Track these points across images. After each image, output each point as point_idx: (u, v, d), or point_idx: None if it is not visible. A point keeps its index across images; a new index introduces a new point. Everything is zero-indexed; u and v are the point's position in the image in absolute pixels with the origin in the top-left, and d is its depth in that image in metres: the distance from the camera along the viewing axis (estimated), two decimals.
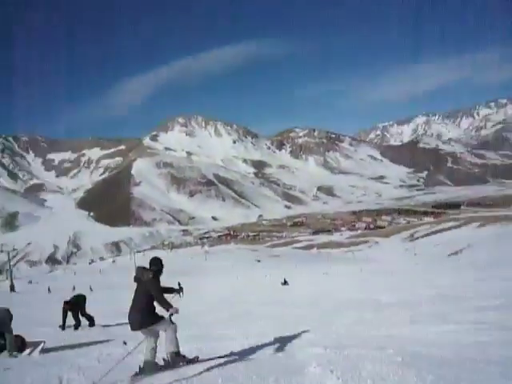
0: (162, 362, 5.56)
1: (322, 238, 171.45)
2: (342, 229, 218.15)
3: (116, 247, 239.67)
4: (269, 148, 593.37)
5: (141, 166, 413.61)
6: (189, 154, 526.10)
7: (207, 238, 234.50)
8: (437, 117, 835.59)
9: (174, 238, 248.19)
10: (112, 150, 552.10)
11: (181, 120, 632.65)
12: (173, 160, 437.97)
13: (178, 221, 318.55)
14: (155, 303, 5.39)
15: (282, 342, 7.01)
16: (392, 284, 21.22)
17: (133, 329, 5.44)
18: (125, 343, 7.94)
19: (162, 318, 5.41)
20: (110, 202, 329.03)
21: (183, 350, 5.70)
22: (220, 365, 5.62)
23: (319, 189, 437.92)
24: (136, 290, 5.61)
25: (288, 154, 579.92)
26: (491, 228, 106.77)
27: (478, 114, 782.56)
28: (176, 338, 5.48)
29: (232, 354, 6.40)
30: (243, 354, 6.36)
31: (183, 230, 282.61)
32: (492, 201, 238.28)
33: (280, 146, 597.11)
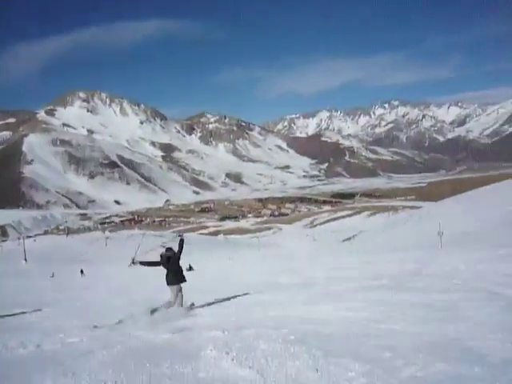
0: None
1: (229, 225, 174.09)
2: (249, 215, 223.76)
3: (2, 231, 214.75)
4: (178, 132, 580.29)
5: (33, 143, 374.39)
6: (90, 132, 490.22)
7: (109, 222, 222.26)
8: (339, 113, 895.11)
9: (71, 222, 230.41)
10: None
11: (82, 95, 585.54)
12: (71, 138, 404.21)
13: (76, 204, 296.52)
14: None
15: (179, 327, 6.90)
16: (291, 267, 22.33)
17: (172, 284, 8.63)
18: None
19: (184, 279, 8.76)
20: None
21: None
22: (112, 354, 5.33)
23: (228, 175, 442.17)
24: (169, 263, 8.65)
25: (198, 139, 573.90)
26: (380, 217, 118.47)
27: (374, 113, 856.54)
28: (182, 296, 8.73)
29: (126, 342, 6.11)
30: (138, 342, 6.12)
31: (81, 214, 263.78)
32: (381, 192, 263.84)
33: (190, 130, 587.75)
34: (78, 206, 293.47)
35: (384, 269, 14.85)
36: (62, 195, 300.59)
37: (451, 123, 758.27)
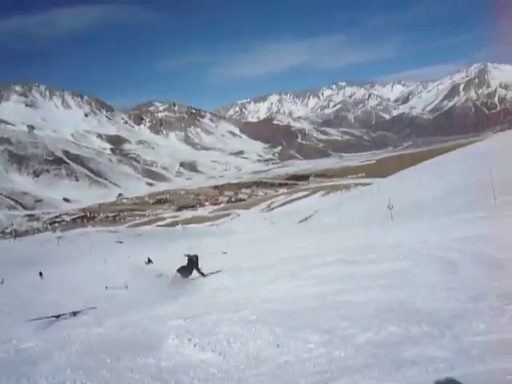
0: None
1: (187, 214, 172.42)
2: (206, 204, 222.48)
3: None
4: (126, 122, 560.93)
5: None
6: (31, 127, 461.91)
7: (59, 222, 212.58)
8: (288, 96, 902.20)
9: (18, 224, 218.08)
10: None
11: (19, 89, 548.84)
12: (10, 135, 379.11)
13: (22, 205, 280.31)
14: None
15: (141, 319, 6.81)
16: (251, 251, 22.58)
17: (183, 277, 12.08)
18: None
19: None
20: None
21: None
22: (70, 354, 5.17)
23: (182, 165, 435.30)
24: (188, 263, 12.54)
25: (147, 128, 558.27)
26: (334, 195, 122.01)
27: (322, 94, 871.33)
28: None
29: (85, 339, 5.95)
30: (98, 338, 5.97)
31: (28, 215, 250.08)
32: (334, 172, 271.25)
33: (138, 120, 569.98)
34: (25, 207, 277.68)
35: (338, 245, 15.38)
36: (6, 196, 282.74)
37: (395, 101, 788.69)
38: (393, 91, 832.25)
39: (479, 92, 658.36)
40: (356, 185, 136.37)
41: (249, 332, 4.81)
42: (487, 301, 4.71)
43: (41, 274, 30.64)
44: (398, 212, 29.38)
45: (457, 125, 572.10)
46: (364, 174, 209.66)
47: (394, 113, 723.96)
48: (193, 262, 12.92)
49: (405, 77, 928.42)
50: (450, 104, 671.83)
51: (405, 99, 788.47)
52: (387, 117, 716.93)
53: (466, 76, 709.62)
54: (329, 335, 4.25)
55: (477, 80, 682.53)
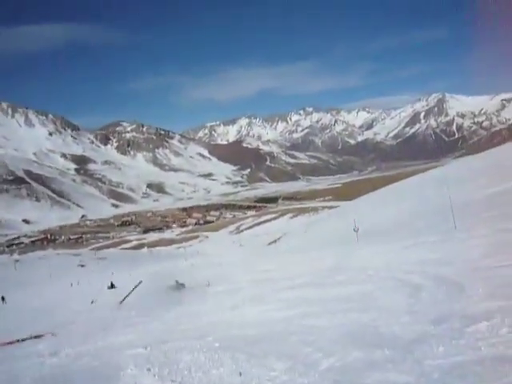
0: None
1: (153, 237, 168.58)
2: (174, 226, 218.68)
3: None
4: (92, 142, 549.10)
5: None
6: None
7: (17, 244, 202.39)
8: (257, 120, 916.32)
9: None
10: None
11: None
12: None
13: None
14: None
15: (99, 350, 6.47)
16: (218, 274, 22.21)
17: None
18: None
19: None
20: None
21: None
22: None
23: (149, 186, 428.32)
24: None
25: (114, 149, 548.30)
26: (302, 218, 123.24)
27: (290, 119, 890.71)
28: None
29: (35, 373, 5.56)
30: (51, 369, 5.61)
31: None
32: (302, 195, 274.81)
33: (105, 140, 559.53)
34: None
35: (306, 267, 15.42)
36: None
37: (360, 127, 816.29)
38: (358, 118, 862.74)
39: (438, 120, 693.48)
40: (323, 207, 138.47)
41: (211, 360, 4.66)
42: (448, 323, 4.79)
43: (3, 298, 29.07)
44: (363, 234, 29.86)
45: (418, 151, 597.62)
46: (331, 197, 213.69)
47: (359, 138, 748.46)
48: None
49: (369, 104, 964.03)
50: (412, 131, 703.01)
51: (369, 125, 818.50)
52: (352, 142, 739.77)
53: (426, 105, 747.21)
54: (292, 361, 4.17)
55: (436, 109, 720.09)
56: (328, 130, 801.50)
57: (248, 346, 5.06)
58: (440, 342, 4.17)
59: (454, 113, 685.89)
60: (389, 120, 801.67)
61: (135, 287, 14.91)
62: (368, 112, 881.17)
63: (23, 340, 8.78)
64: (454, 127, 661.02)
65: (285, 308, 7.49)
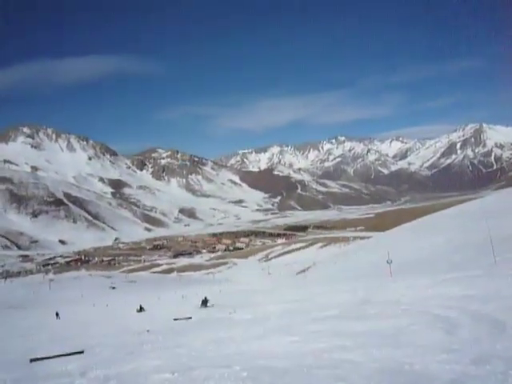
0: None
1: (183, 261, 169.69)
2: (203, 251, 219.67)
3: None
4: (129, 167, 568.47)
5: None
6: (34, 168, 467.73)
7: (52, 264, 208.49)
8: (289, 148, 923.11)
9: (10, 265, 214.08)
10: None
11: (26, 130, 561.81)
12: (13, 174, 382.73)
13: (17, 245, 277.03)
14: None
15: (126, 373, 6.47)
16: (246, 302, 21.97)
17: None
18: None
19: None
20: None
21: None
22: None
23: (181, 211, 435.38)
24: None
25: (149, 174, 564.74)
26: (332, 247, 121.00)
27: (322, 148, 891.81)
28: None
29: None
30: None
31: (23, 256, 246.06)
32: (333, 224, 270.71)
33: (141, 165, 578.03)
34: (19, 247, 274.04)
35: (336, 299, 15.01)
36: (1, 236, 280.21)
37: (394, 157, 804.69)
38: (391, 147, 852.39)
39: (476, 151, 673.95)
40: (355, 238, 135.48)
41: None
42: (490, 365, 4.49)
43: (57, 314, 29.91)
44: (396, 267, 28.92)
45: (454, 182, 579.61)
46: (363, 228, 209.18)
47: (393, 168, 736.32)
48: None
49: (403, 134, 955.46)
50: (448, 161, 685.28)
51: (403, 155, 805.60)
52: (386, 172, 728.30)
53: (463, 135, 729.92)
54: None
55: (473, 139, 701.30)
56: (360, 159, 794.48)
57: (276, 377, 4.92)
58: None
59: (492, 143, 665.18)
60: (423, 150, 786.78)
61: (187, 318, 16.04)
62: (402, 142, 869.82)
63: (56, 357, 8.94)
64: (493, 158, 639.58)
65: (314, 340, 7.28)
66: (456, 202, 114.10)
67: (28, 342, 14.61)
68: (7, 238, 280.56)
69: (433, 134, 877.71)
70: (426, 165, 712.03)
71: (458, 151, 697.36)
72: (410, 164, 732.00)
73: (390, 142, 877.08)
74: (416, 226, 57.08)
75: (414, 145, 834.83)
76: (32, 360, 9.15)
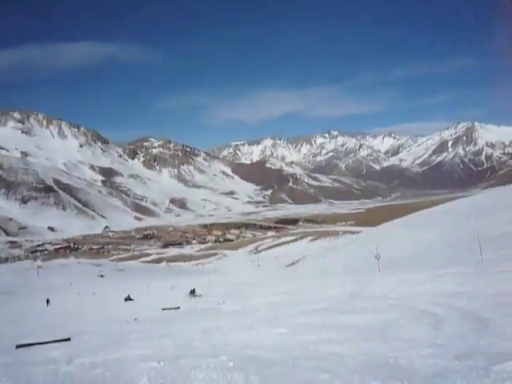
0: None
1: (173, 251, 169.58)
2: (193, 242, 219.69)
3: None
4: (120, 156, 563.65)
5: None
6: (24, 154, 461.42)
7: (41, 251, 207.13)
8: (282, 141, 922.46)
9: None
10: None
11: (17, 115, 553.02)
12: (3, 160, 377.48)
13: (5, 231, 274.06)
14: None
15: (113, 361, 6.46)
16: (235, 294, 22.05)
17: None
18: None
19: None
20: None
21: None
22: None
23: (172, 201, 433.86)
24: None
25: (141, 163, 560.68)
26: (322, 241, 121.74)
27: (315, 142, 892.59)
28: None
29: (51, 379, 5.60)
30: (64, 378, 5.63)
31: (11, 242, 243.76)
32: (323, 218, 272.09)
33: (133, 154, 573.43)
34: (8, 233, 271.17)
35: (325, 292, 15.12)
36: None
37: (386, 153, 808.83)
38: (383, 143, 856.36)
39: (467, 149, 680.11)
40: (345, 232, 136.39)
41: (225, 379, 4.58)
42: (472, 360, 4.57)
43: (48, 301, 29.80)
44: (385, 262, 29.19)
45: (445, 179, 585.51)
46: (353, 222, 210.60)
47: (384, 164, 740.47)
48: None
49: (395, 130, 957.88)
50: (439, 159, 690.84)
51: (395, 151, 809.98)
52: (377, 167, 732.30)
53: (455, 133, 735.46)
54: None
55: (464, 137, 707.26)
56: (352, 155, 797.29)
57: (262, 368, 4.95)
58: (464, 379, 3.97)
59: (484, 142, 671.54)
60: (415, 147, 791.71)
61: (175, 308, 16.03)
62: (394, 138, 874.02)
63: (42, 343, 8.91)
64: (483, 157, 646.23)
65: (302, 332, 7.33)
66: (446, 199, 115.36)
67: (18, 329, 14.52)
68: None
69: (425, 132, 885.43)
70: (418, 162, 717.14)
71: (450, 149, 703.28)
72: (401, 160, 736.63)
73: (383, 137, 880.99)
74: (406, 221, 57.62)
75: (406, 141, 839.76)
76: (18, 346, 9.10)
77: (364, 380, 4.15)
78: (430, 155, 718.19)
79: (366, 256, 36.70)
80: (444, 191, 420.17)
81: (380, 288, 13.78)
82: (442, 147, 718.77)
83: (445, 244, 29.91)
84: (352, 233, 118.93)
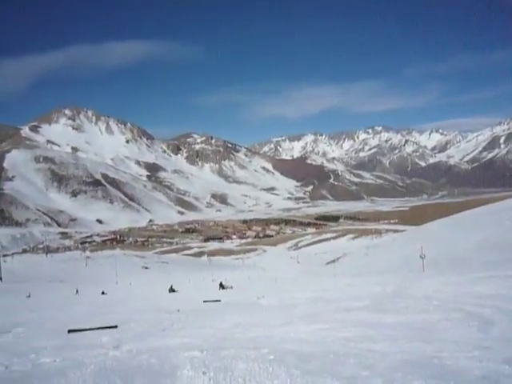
0: None
1: (214, 245, 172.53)
2: (233, 236, 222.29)
3: None
4: (164, 151, 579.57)
5: (16, 159, 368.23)
6: (75, 149, 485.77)
7: (89, 242, 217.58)
8: (323, 136, 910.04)
9: (51, 241, 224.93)
10: None
11: (68, 112, 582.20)
12: (55, 155, 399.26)
13: (57, 222, 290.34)
14: None
15: (157, 349, 6.74)
16: (275, 289, 22.15)
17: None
18: None
19: None
20: None
21: None
22: (84, 374, 5.16)
23: (213, 196, 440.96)
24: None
25: (184, 159, 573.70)
26: (363, 239, 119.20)
27: (357, 137, 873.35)
28: None
29: (101, 361, 5.93)
30: (113, 361, 5.94)
31: (62, 233, 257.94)
32: (365, 215, 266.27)
33: (176, 150, 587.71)
34: (59, 225, 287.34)
35: (365, 291, 14.86)
36: (43, 213, 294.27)
37: (432, 149, 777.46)
38: (430, 139, 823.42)
39: None
40: (387, 230, 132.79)
41: (266, 371, 4.66)
42: None
43: (77, 291, 31.79)
44: (430, 263, 28.24)
45: (496, 177, 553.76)
46: (397, 221, 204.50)
47: (431, 160, 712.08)
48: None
49: (443, 126, 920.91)
50: (490, 155, 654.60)
51: (442, 148, 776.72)
52: (423, 164, 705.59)
53: (508, 129, 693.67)
54: (348, 383, 4.04)
55: None
56: (397, 151, 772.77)
57: (303, 362, 4.99)
58: None
59: None
60: (464, 143, 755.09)
61: (216, 301, 16.55)
62: (442, 134, 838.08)
63: (91, 329, 9.41)
64: None
65: (341, 329, 7.28)
66: (497, 198, 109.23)
67: (69, 315, 15.40)
68: (48, 216, 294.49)
69: (475, 127, 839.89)
70: (467, 158, 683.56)
71: (502, 145, 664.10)
72: (449, 157, 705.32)
73: (429, 133, 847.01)
74: (452, 221, 55.23)
75: (454, 137, 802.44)
76: (70, 331, 9.64)
77: (407, 378, 4.08)
78: (481, 152, 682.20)
79: (410, 255, 35.61)
80: (494, 190, 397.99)
81: (423, 288, 13.37)
82: (493, 143, 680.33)
83: (492, 246, 28.46)
84: (395, 231, 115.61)
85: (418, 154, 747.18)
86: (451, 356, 4.80)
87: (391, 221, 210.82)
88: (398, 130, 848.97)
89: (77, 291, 32.48)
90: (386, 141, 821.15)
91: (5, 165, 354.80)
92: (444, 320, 7.16)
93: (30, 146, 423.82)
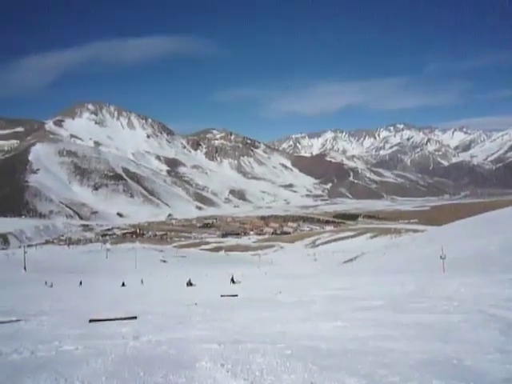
0: None
1: (231, 241, 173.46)
2: (251, 233, 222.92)
3: (3, 239, 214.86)
4: (184, 147, 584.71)
5: (40, 152, 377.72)
6: (97, 144, 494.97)
7: (110, 235, 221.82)
8: (343, 134, 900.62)
9: (73, 233, 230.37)
10: (7, 131, 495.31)
11: (91, 107, 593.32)
12: (78, 149, 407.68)
13: (79, 215, 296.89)
14: None
15: (176, 340, 6.86)
16: (291, 286, 22.16)
17: None
18: None
19: None
20: (0, 189, 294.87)
21: None
22: (106, 362, 5.31)
23: (231, 192, 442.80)
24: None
25: (203, 154, 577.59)
26: (382, 239, 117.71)
27: (378, 135, 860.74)
28: None
29: (122, 351, 6.08)
30: (134, 351, 6.08)
31: (84, 225, 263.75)
32: (385, 214, 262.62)
33: (196, 145, 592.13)
34: (81, 217, 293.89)
35: (384, 290, 14.72)
36: (66, 205, 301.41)
37: (455, 148, 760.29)
38: (453, 138, 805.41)
39: None
40: (407, 230, 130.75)
41: (283, 366, 4.70)
42: None
43: (81, 283, 32.36)
44: (450, 263, 27.72)
45: None
46: (417, 220, 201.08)
47: (454, 160, 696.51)
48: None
49: (467, 124, 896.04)
50: None
51: (466, 147, 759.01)
52: (445, 163, 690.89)
53: None
54: (366, 381, 4.04)
55: None
56: (419, 149, 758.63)
57: (320, 358, 5.01)
58: None
59: None
60: (489, 142, 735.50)
61: (233, 296, 16.80)
62: (465, 132, 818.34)
63: (112, 320, 9.63)
64: None
65: (360, 327, 7.25)
66: None
67: (90, 305, 15.78)
68: (71, 208, 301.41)
69: (501, 126, 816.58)
70: (491, 158, 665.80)
71: None
72: (472, 157, 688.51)
73: (453, 132, 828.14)
74: (474, 222, 54.02)
75: (478, 136, 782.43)
76: (91, 320, 9.89)
77: (425, 378, 4.05)
78: (506, 152, 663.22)
79: (430, 255, 35.02)
80: None
81: (443, 289, 13.16)
82: None
83: None
84: (415, 231, 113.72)
85: (440, 153, 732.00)
86: (472, 357, 4.74)
87: (411, 220, 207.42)
88: (420, 128, 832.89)
89: (80, 283, 32.88)
90: (408, 139, 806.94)
91: (30, 158, 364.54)
92: (464, 321, 7.05)
93: (54, 139, 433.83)
